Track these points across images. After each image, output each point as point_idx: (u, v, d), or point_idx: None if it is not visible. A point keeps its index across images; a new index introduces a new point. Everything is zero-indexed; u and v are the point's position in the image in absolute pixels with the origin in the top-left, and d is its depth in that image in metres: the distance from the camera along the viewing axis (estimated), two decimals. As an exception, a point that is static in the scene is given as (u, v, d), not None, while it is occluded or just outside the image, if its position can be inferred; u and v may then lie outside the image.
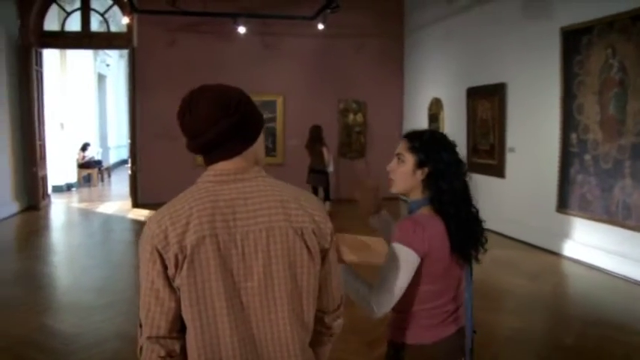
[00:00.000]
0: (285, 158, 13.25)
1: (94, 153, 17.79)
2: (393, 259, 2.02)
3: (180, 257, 1.52)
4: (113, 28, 13.53)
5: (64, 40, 12.84)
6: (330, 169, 10.66)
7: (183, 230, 1.52)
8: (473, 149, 10.08)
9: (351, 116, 13.53)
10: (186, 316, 1.55)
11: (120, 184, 17.06)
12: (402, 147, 2.19)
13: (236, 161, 1.64)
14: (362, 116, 13.58)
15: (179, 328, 1.59)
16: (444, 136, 2.22)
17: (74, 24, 12.93)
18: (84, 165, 16.74)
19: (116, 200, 12.95)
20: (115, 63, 22.45)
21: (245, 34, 12.39)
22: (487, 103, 9.59)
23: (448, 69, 11.34)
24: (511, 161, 9.13)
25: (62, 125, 15.41)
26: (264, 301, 1.58)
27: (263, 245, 1.57)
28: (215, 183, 1.61)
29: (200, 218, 1.53)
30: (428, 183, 2.13)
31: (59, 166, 14.92)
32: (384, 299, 2.00)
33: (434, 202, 2.11)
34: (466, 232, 2.10)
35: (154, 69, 12.51)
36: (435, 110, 11.76)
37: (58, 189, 14.82)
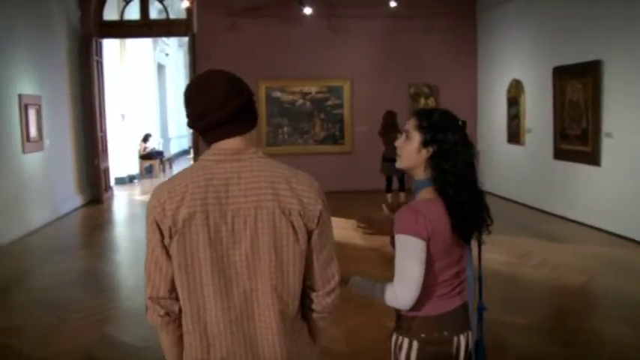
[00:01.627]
0: (354, 146, 12.63)
1: (155, 144, 17.59)
2: (403, 251, 2.10)
3: (173, 229, 1.68)
4: (172, 16, 13.14)
5: (123, 29, 12.61)
6: (405, 157, 9.95)
7: (178, 205, 1.67)
8: (561, 135, 9.20)
9: (422, 101, 12.77)
10: (177, 281, 1.72)
11: None
12: (410, 124, 2.23)
13: (236, 141, 1.75)
14: (434, 101, 12.80)
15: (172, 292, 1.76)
16: (453, 118, 2.21)
17: (133, 13, 12.66)
18: (145, 156, 16.55)
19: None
20: (174, 52, 22.28)
21: (310, 17, 11.79)
22: (578, 84, 8.67)
23: (530, 47, 10.42)
24: (608, 148, 8.18)
25: (123, 116, 15.21)
26: (250, 274, 1.69)
27: (251, 223, 1.68)
28: (213, 162, 1.73)
29: (193, 195, 1.67)
30: (431, 162, 2.16)
31: (121, 157, 14.73)
32: (406, 290, 2.09)
33: (435, 182, 2.15)
34: (466, 214, 2.13)
35: (215, 55, 12.05)
36: (515, 93, 10.88)
37: (120, 181, 14.64)
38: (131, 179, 15.49)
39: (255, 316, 1.72)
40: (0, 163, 8.20)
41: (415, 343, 2.18)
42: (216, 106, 1.71)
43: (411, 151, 2.19)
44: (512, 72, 11.00)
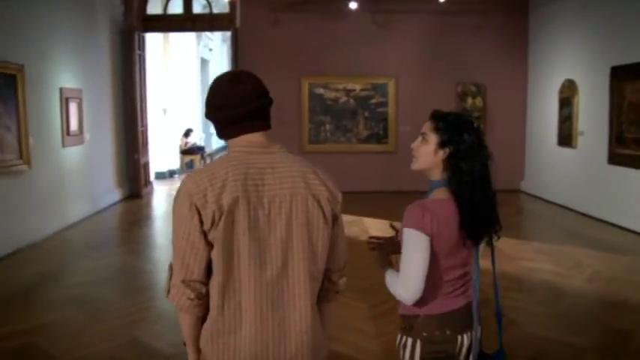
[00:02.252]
0: (398, 146, 12.27)
1: (196, 139, 17.52)
2: (408, 244, 2.14)
3: (217, 214, 1.76)
4: (216, 11, 12.99)
5: (166, 23, 12.48)
6: (452, 159, 9.58)
7: (220, 192, 1.76)
8: (617, 138, 8.70)
9: (469, 100, 12.35)
10: (216, 263, 1.80)
11: None
12: (426, 127, 2.25)
13: (260, 135, 1.90)
14: (481, 100, 12.35)
15: (207, 275, 1.83)
16: (469, 120, 2.27)
17: (177, 7, 12.55)
18: (186, 151, 16.48)
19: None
20: (217, 47, 22.20)
21: (355, 12, 11.51)
22: (639, 85, 8.17)
23: (585, 45, 9.89)
24: (670, 153, 7.68)
25: (165, 110, 15.17)
26: (283, 255, 1.83)
27: (287, 208, 1.83)
28: (247, 153, 1.86)
29: (235, 182, 1.78)
30: (448, 163, 2.18)
31: (161, 152, 14.69)
32: (410, 283, 2.12)
33: (451, 182, 2.17)
34: (478, 215, 2.15)
35: (257, 50, 11.89)
36: (568, 93, 10.37)
37: (160, 175, 14.61)
38: (171, 174, 15.45)
39: (284, 293, 1.85)
40: (39, 156, 8.14)
41: (418, 342, 2.23)
42: (250, 99, 1.88)
43: (428, 153, 2.23)
44: (566, 71, 10.48)
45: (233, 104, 1.88)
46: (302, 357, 1.89)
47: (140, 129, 11.75)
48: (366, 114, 12.26)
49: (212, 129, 15.19)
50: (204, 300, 1.85)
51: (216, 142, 21.83)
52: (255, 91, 1.90)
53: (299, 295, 1.86)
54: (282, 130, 11.99)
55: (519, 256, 7.16)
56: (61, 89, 8.88)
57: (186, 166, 16.56)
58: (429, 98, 11.81)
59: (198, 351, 1.93)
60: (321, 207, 1.88)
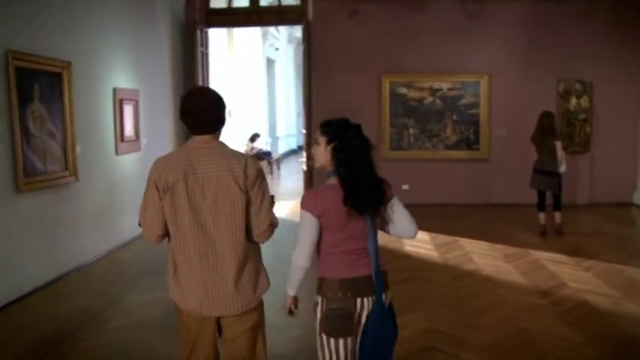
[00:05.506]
0: (490, 152, 10.78)
1: (262, 144, 16.45)
2: (301, 222, 2.74)
3: (165, 188, 2.66)
4: (285, 3, 11.82)
5: (231, 17, 11.46)
6: (563, 168, 8.06)
7: (168, 172, 2.66)
8: None
9: (573, 100, 10.71)
10: (168, 222, 2.71)
11: (290, 177, 15.82)
12: (317, 133, 2.85)
13: (210, 136, 2.76)
14: (587, 100, 10.71)
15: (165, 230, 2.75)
16: (349, 122, 2.81)
17: (242, 0, 11.51)
18: (252, 157, 15.41)
19: (287, 199, 11.13)
20: (283, 47, 21.14)
21: (443, 0, 10.11)
22: None
23: None
24: None
25: (229, 113, 14.10)
26: (214, 218, 2.67)
27: (214, 185, 2.67)
28: (195, 148, 2.73)
29: (179, 166, 2.67)
30: (334, 155, 2.74)
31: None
32: (299, 249, 2.76)
33: (337, 170, 2.74)
34: (358, 192, 2.67)
35: (332, 46, 10.69)
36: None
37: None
38: (236, 182, 14.40)
39: (217, 247, 2.69)
40: (88, 166, 7.11)
41: (324, 300, 2.75)
42: (196, 113, 2.74)
43: (321, 152, 2.81)
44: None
45: (186, 115, 2.78)
46: (241, 298, 2.75)
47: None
48: (455, 116, 10.79)
49: (278, 133, 14.21)
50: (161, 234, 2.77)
51: (283, 147, 20.74)
52: (201, 107, 2.74)
53: (228, 244, 2.70)
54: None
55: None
56: (114, 90, 7.85)
57: (252, 173, 15.52)
58: (526, 98, 10.46)
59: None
60: (237, 183, 2.67)
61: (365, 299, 2.71)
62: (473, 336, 4.72)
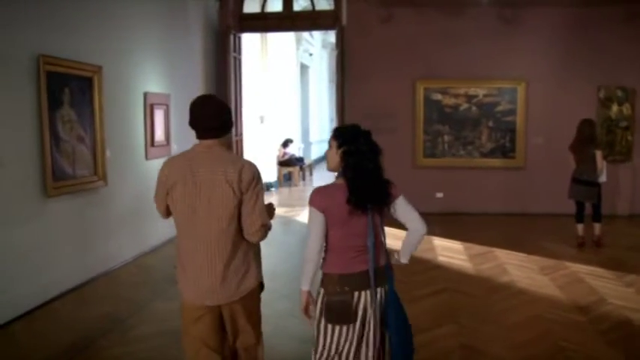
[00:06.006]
0: (527, 161, 10.49)
1: (295, 150, 16.35)
2: (309, 217, 2.99)
3: (169, 186, 3.03)
4: (319, 8, 11.69)
5: (264, 22, 11.35)
6: (603, 178, 7.76)
7: (172, 174, 3.02)
8: None
9: (614, 107, 10.35)
10: (173, 217, 3.10)
11: (321, 183, 15.07)
12: (330, 137, 3.08)
13: (213, 141, 3.04)
14: (629, 108, 10.33)
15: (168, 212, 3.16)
16: (359, 129, 3.04)
17: (276, 5, 11.44)
18: (284, 162, 15.35)
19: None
20: (317, 53, 21.03)
21: (479, 5, 9.89)
22: None
23: None
24: None
25: (262, 119, 14.06)
26: (207, 217, 2.96)
27: (209, 187, 2.95)
28: (198, 152, 3.04)
29: (179, 169, 3.01)
30: (343, 158, 2.97)
31: (259, 163, 13.52)
32: (311, 243, 2.98)
33: (344, 171, 2.98)
34: (362, 193, 2.90)
35: (366, 51, 10.53)
36: None
37: (256, 189, 13.41)
38: (268, 187, 14.31)
39: (208, 244, 2.98)
40: (118, 171, 7.09)
41: (325, 292, 3.01)
42: (202, 120, 3.03)
43: (333, 155, 3.04)
44: None
45: (193, 121, 3.06)
46: (229, 289, 3.02)
47: (235, 138, 10.62)
48: (491, 123, 10.52)
49: (311, 138, 14.08)
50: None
51: (316, 153, 20.62)
52: (207, 115, 3.02)
53: (217, 241, 2.98)
54: (394, 142, 10.46)
55: None
56: (145, 94, 7.82)
57: (284, 178, 15.42)
58: (565, 105, 10.16)
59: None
60: (231, 187, 2.94)
61: (363, 292, 2.96)
62: (509, 354, 4.52)
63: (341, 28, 10.55)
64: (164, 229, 7.78)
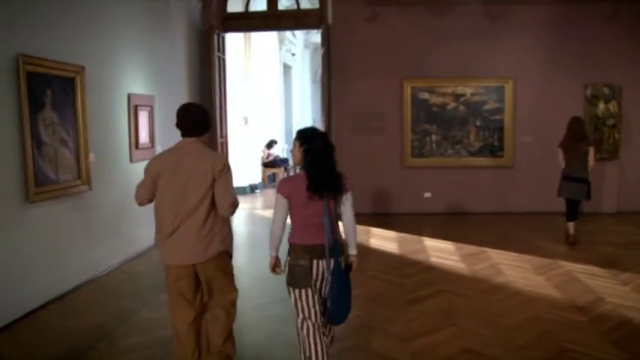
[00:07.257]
0: (515, 160, 10.43)
1: (279, 151, 16.17)
2: (276, 201, 3.66)
3: (155, 174, 3.78)
4: (303, 7, 11.55)
5: (248, 22, 11.19)
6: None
7: (160, 165, 3.79)
8: None
9: (601, 105, 10.34)
10: (157, 199, 3.83)
11: None
12: (295, 138, 3.70)
13: (195, 139, 3.85)
14: (616, 105, 10.34)
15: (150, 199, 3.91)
16: (317, 130, 3.73)
17: (259, 4, 11.26)
18: (269, 164, 15.17)
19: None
20: (299, 52, 20.85)
21: (465, 3, 9.82)
22: None
23: None
24: None
25: (246, 120, 13.87)
26: (186, 197, 3.72)
27: (189, 174, 3.72)
28: (182, 147, 3.84)
29: (167, 160, 3.79)
30: (304, 155, 3.61)
31: (243, 165, 13.37)
32: (274, 223, 3.67)
33: (304, 165, 3.60)
34: (318, 182, 3.53)
35: (352, 50, 10.43)
36: None
37: (240, 191, 13.20)
38: (252, 189, 14.14)
39: (186, 217, 3.73)
40: (102, 175, 6.88)
41: (289, 260, 3.66)
42: (187, 122, 3.84)
43: (297, 152, 3.65)
44: None
45: (180, 123, 3.86)
46: (199, 251, 3.78)
47: (220, 140, 10.44)
48: (478, 122, 10.46)
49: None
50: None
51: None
52: (190, 119, 3.84)
53: (197, 218, 3.74)
54: (381, 142, 10.40)
55: None
56: (129, 95, 7.62)
57: (268, 180, 15.24)
58: (552, 103, 10.17)
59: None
60: (206, 174, 3.73)
61: (319, 261, 3.59)
62: (512, 357, 4.41)
63: (326, 27, 10.43)
64: (150, 233, 7.57)
